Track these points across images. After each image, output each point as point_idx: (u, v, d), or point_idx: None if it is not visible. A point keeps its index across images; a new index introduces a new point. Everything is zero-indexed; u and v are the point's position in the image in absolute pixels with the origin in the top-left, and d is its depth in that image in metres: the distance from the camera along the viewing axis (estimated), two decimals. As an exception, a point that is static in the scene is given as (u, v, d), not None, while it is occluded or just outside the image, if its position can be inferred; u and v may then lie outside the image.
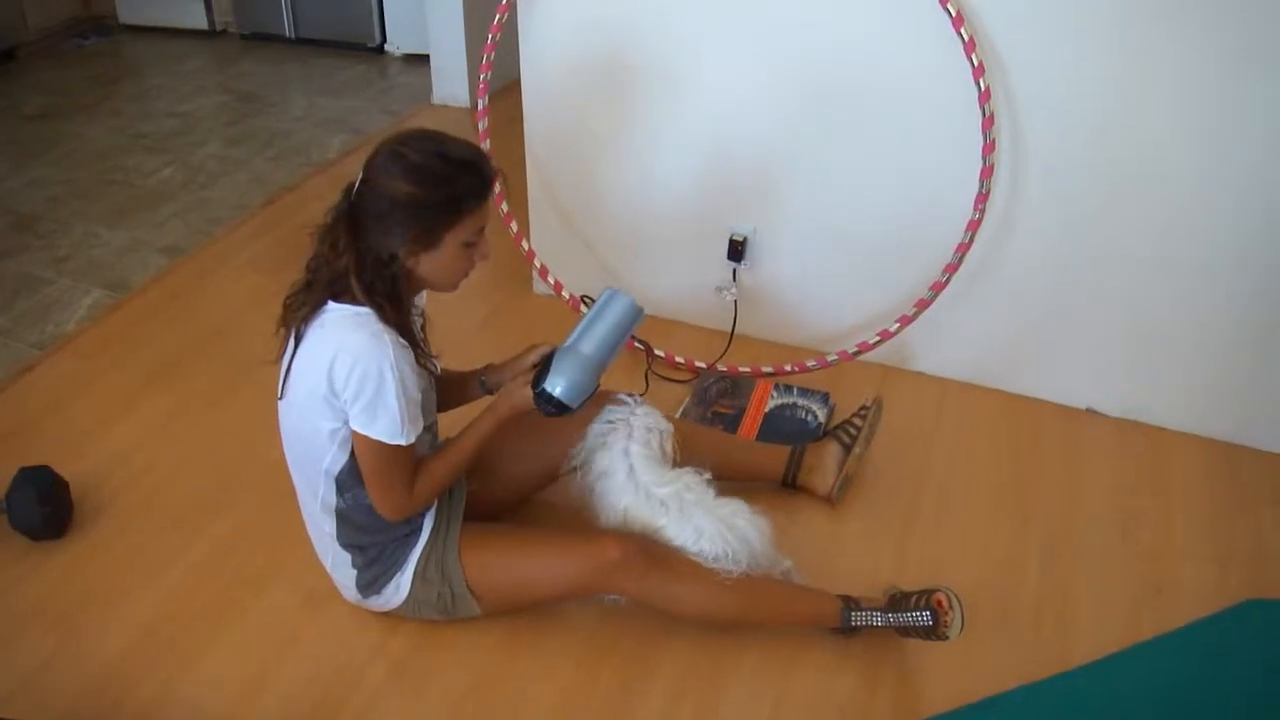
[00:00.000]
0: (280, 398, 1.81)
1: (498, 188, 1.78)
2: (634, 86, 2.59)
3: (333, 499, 1.86)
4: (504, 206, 2.71)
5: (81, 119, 4.49)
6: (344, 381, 1.67)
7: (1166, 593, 2.11)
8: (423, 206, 1.64)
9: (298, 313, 1.75)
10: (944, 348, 2.64)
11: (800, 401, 2.54)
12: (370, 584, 1.94)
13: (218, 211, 3.68)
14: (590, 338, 1.85)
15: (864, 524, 2.27)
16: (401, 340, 1.71)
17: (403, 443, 1.71)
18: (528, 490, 2.16)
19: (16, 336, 3.03)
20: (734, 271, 2.70)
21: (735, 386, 2.61)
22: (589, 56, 2.60)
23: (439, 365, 1.95)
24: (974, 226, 2.29)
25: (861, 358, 2.60)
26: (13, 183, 3.96)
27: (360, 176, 1.68)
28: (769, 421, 2.50)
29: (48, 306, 3.15)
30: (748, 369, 2.66)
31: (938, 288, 2.40)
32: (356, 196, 1.67)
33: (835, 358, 2.60)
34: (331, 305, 1.70)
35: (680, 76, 2.51)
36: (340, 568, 1.96)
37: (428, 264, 1.71)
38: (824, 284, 2.67)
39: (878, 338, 2.54)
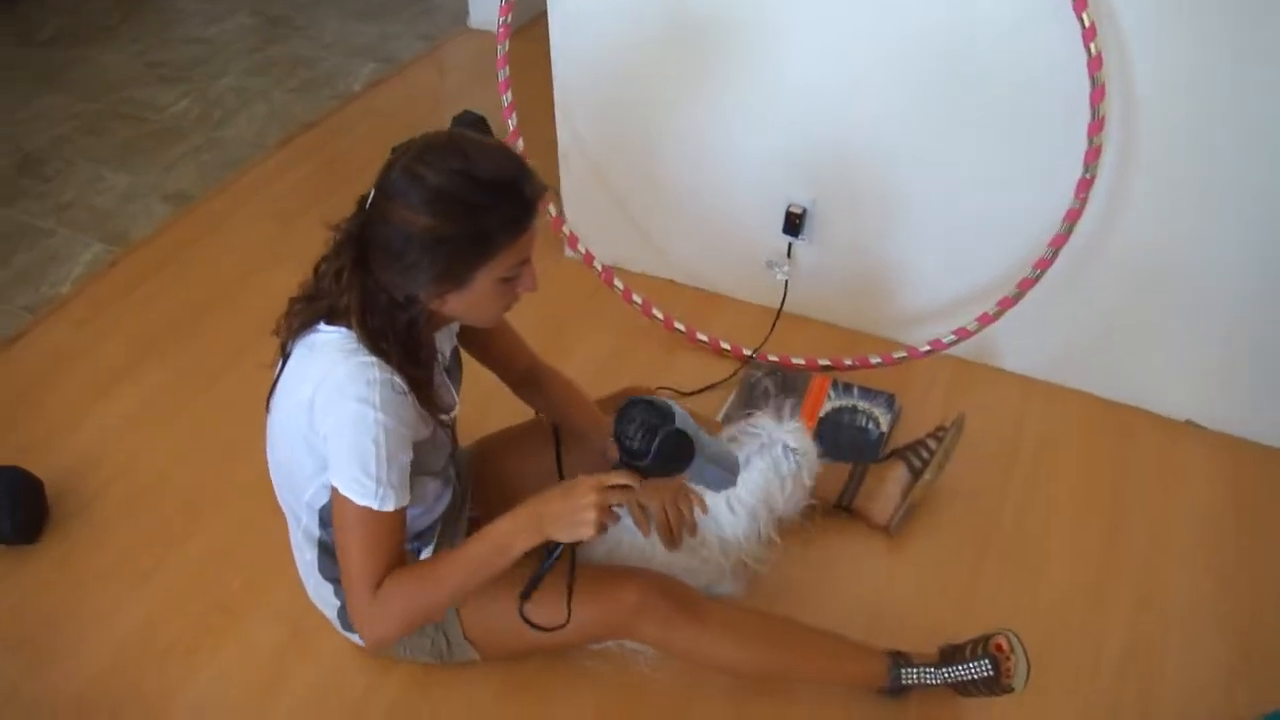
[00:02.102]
0: (267, 411, 1.60)
1: (548, 210, 1.48)
2: (689, 26, 2.27)
3: (315, 530, 1.66)
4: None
5: (97, 45, 4.27)
6: (322, 422, 1.44)
7: (1256, 662, 1.86)
8: (446, 242, 1.35)
9: (290, 323, 1.51)
10: (1028, 342, 2.34)
11: (861, 405, 2.28)
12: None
13: (233, 151, 3.47)
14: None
15: (925, 560, 2.02)
16: (399, 383, 1.44)
17: (374, 506, 1.43)
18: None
19: (8, 298, 2.88)
20: (789, 246, 2.42)
21: (787, 383, 2.35)
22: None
23: (457, 406, 1.70)
24: (1073, 217, 1.97)
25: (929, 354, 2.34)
26: (21, 115, 3.79)
27: (373, 191, 1.41)
28: (824, 428, 2.24)
29: (45, 262, 3.00)
30: (802, 360, 2.40)
31: (1026, 285, 2.10)
32: (367, 221, 1.40)
33: (904, 355, 2.33)
34: (323, 326, 1.46)
35: (747, 19, 2.19)
36: (323, 598, 1.79)
37: (456, 303, 1.44)
38: (891, 266, 2.38)
39: (953, 336, 2.26)
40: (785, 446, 1.78)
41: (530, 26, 2.90)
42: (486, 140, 1.42)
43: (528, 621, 1.47)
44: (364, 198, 1.42)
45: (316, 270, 1.49)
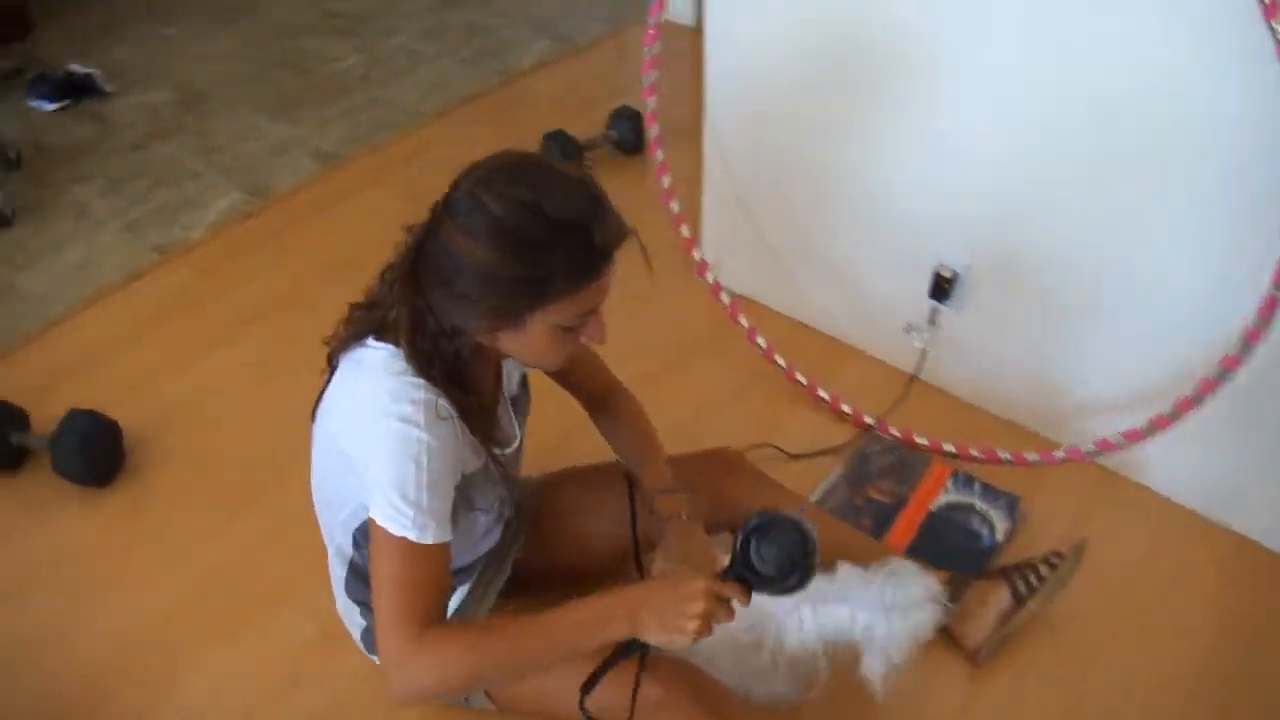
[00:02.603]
0: (311, 422, 1.50)
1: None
2: (853, 58, 2.06)
3: (348, 550, 1.54)
4: (665, 180, 2.30)
5: (281, -14, 4.31)
6: (361, 442, 1.32)
7: None
8: (499, 280, 1.21)
9: (343, 331, 1.41)
10: (1181, 463, 2.04)
11: (980, 504, 2.04)
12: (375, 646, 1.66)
13: (389, 115, 3.42)
14: None
15: (1009, 698, 1.78)
16: (445, 407, 1.31)
17: (412, 537, 1.28)
18: (588, 572, 1.77)
19: (141, 234, 2.91)
20: (933, 311, 2.20)
21: (903, 465, 2.13)
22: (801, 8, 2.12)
23: (517, 440, 1.57)
24: (1253, 338, 1.68)
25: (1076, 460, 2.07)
26: (195, 50, 3.86)
27: (440, 204, 1.28)
28: (932, 524, 2.02)
29: (184, 203, 3.02)
30: (925, 441, 2.17)
31: (1185, 405, 1.82)
32: (426, 236, 1.28)
33: (1037, 458, 2.08)
34: (371, 341, 1.34)
35: (917, 60, 1.97)
36: (350, 617, 1.70)
37: (510, 342, 1.31)
38: (1040, 354, 2.12)
39: (1094, 447, 1.99)
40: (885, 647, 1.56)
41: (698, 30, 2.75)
42: (569, 172, 1.26)
43: (586, 715, 1.34)
44: (435, 206, 1.29)
45: (382, 276, 1.38)
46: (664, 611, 1.24)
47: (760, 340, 2.33)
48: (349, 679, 1.79)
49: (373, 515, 1.29)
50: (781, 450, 2.18)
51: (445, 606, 1.34)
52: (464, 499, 1.45)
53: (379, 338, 1.34)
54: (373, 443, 1.30)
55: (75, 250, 2.86)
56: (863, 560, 1.68)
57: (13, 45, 3.83)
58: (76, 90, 3.53)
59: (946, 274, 2.12)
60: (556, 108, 3.42)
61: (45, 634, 1.94)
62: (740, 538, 1.25)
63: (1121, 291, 1.93)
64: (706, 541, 1.59)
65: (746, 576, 1.24)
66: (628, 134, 3.08)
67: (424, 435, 1.27)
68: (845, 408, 2.26)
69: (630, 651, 1.29)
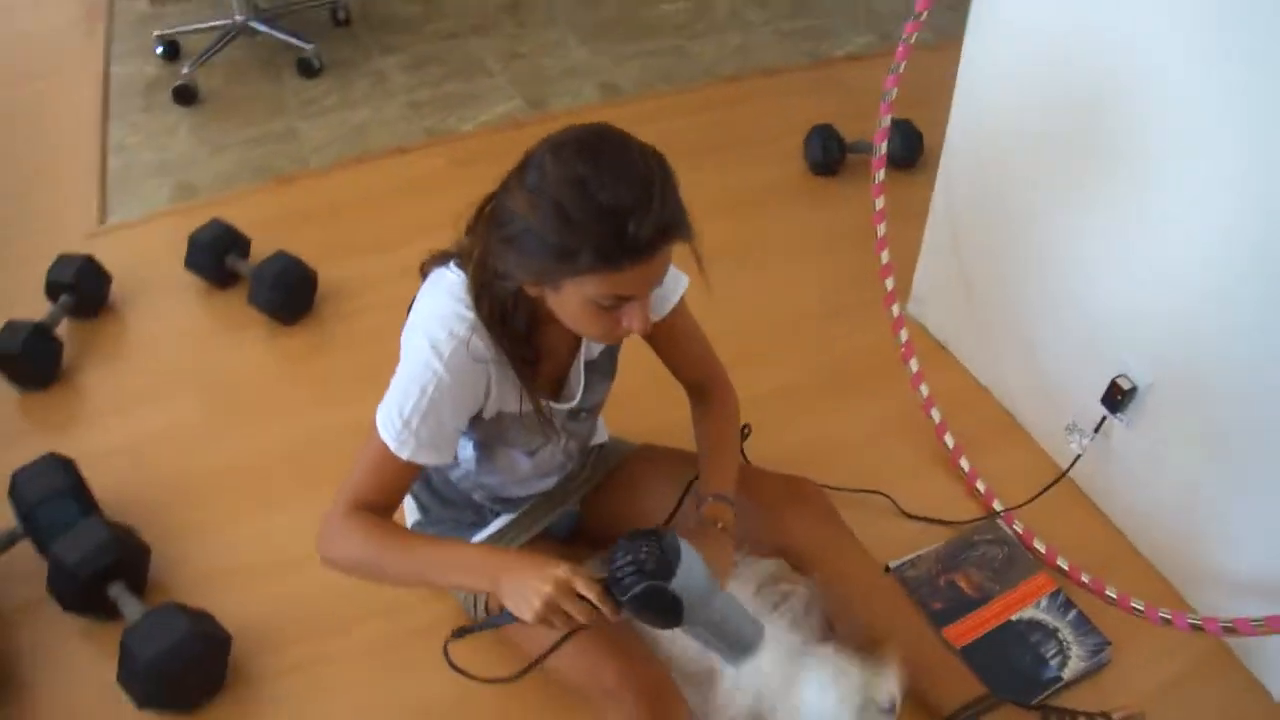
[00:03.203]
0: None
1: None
2: (1088, 142, 1.88)
3: None
4: (879, 202, 2.22)
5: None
6: (402, 347, 1.44)
7: None
8: (535, 240, 1.25)
9: (437, 251, 1.51)
10: None
11: (1065, 633, 1.86)
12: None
13: (684, 68, 3.49)
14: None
15: None
16: (483, 350, 1.39)
17: (391, 446, 1.40)
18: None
19: (420, 114, 3.14)
20: (1102, 420, 2.01)
21: (1007, 563, 1.98)
22: (1050, 71, 1.98)
23: (576, 400, 1.61)
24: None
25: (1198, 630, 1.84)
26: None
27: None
28: (1003, 633, 1.86)
29: (467, 98, 3.23)
30: (1042, 548, 2.00)
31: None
32: (504, 183, 1.33)
33: (1141, 609, 1.86)
34: (453, 265, 1.44)
35: (1142, 164, 1.78)
36: (407, 503, 1.85)
37: (553, 302, 1.35)
38: (1202, 504, 1.86)
39: (1230, 623, 1.75)
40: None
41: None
42: (637, 157, 1.26)
43: (451, 663, 1.39)
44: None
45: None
46: (518, 582, 1.27)
47: (923, 389, 2.22)
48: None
49: (378, 407, 1.42)
50: (894, 503, 2.09)
51: (390, 509, 1.45)
52: (499, 436, 1.56)
53: (460, 264, 1.42)
54: (404, 352, 1.42)
55: (360, 113, 3.14)
56: (912, 642, 1.66)
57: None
58: (425, -30, 3.83)
59: (1125, 384, 1.93)
60: (843, 102, 3.33)
61: (183, 430, 2.20)
62: (611, 552, 1.24)
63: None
64: (729, 558, 1.57)
65: (611, 587, 1.23)
66: (899, 147, 2.98)
67: (440, 369, 1.36)
68: (980, 486, 2.12)
69: (501, 619, 1.31)
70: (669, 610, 1.21)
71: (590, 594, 1.24)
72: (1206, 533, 1.90)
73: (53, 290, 2.45)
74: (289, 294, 2.45)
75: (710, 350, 1.76)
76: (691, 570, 1.21)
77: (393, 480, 1.44)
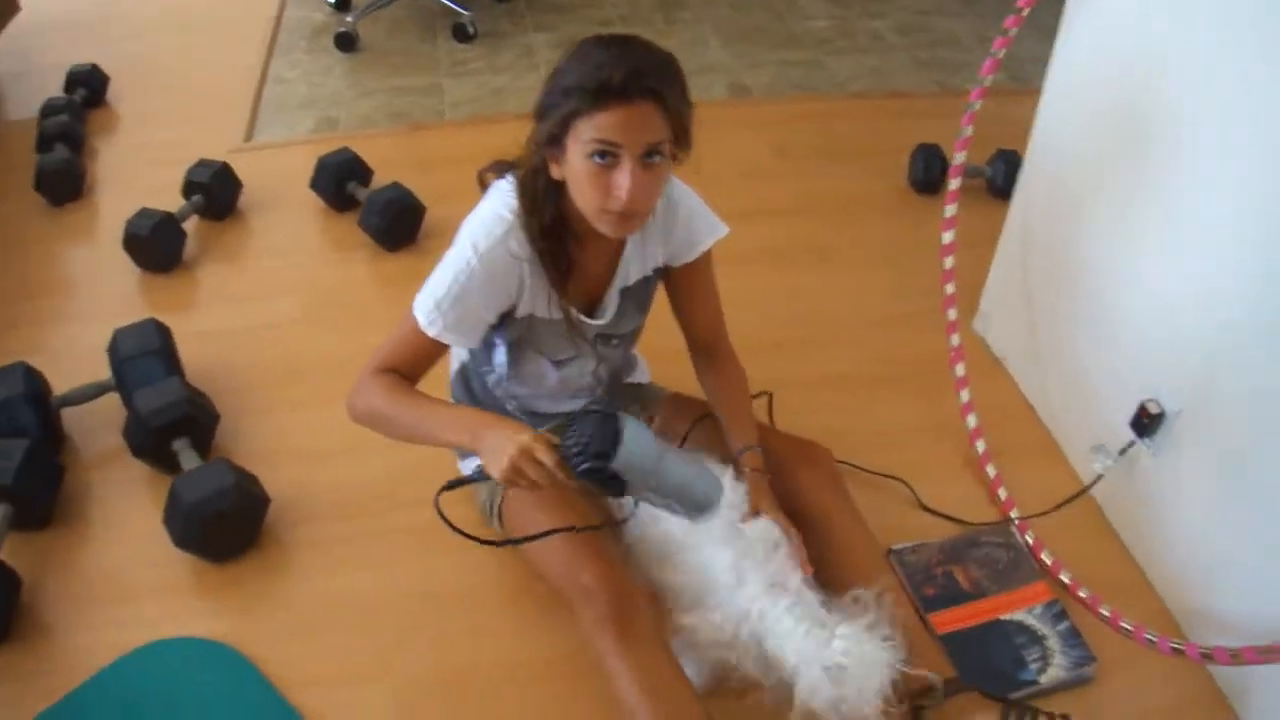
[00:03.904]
0: None
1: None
2: (1154, 166, 1.87)
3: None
4: (949, 210, 2.26)
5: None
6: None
7: None
8: (546, 99, 1.44)
9: (495, 164, 1.67)
10: None
11: (1052, 641, 1.86)
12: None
13: (814, 78, 3.55)
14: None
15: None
16: (519, 249, 1.54)
17: (420, 322, 1.56)
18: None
19: (475, 98, 3.27)
20: (1129, 444, 2.00)
21: (1009, 567, 1.98)
22: (1129, 109, 1.99)
23: (606, 318, 1.73)
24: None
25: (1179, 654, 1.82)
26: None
27: None
28: (988, 630, 1.87)
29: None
30: (1049, 560, 2.00)
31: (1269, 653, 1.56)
32: None
33: (1130, 629, 1.84)
34: (510, 175, 1.58)
35: (1226, 184, 1.76)
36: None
37: (566, 175, 1.48)
38: (1216, 539, 1.83)
39: (1180, 645, 1.74)
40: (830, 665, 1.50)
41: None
42: (642, 42, 1.43)
43: (440, 513, 1.49)
44: None
45: None
46: (493, 441, 1.41)
47: (964, 394, 2.25)
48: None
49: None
50: (913, 493, 2.13)
51: (415, 380, 1.62)
52: (530, 340, 1.69)
53: (515, 177, 1.57)
54: (454, 243, 1.58)
55: (501, 79, 3.33)
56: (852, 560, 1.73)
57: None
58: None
59: (1153, 409, 1.92)
60: (958, 131, 3.36)
61: (274, 327, 2.40)
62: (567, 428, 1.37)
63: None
64: (772, 499, 1.70)
65: (566, 454, 1.35)
66: (1001, 176, 2.99)
67: (475, 261, 1.53)
68: (1001, 493, 2.13)
69: (476, 475, 1.46)
70: (613, 484, 1.34)
71: (548, 460, 1.36)
72: (1214, 571, 1.87)
73: (189, 189, 2.70)
74: (396, 221, 2.63)
75: (722, 315, 1.87)
76: (634, 448, 1.32)
77: (420, 354, 1.60)
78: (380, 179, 2.75)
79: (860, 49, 3.80)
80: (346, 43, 3.42)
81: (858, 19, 4.01)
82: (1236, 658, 1.66)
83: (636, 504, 1.53)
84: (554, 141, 1.45)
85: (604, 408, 1.37)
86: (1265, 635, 1.73)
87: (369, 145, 2.88)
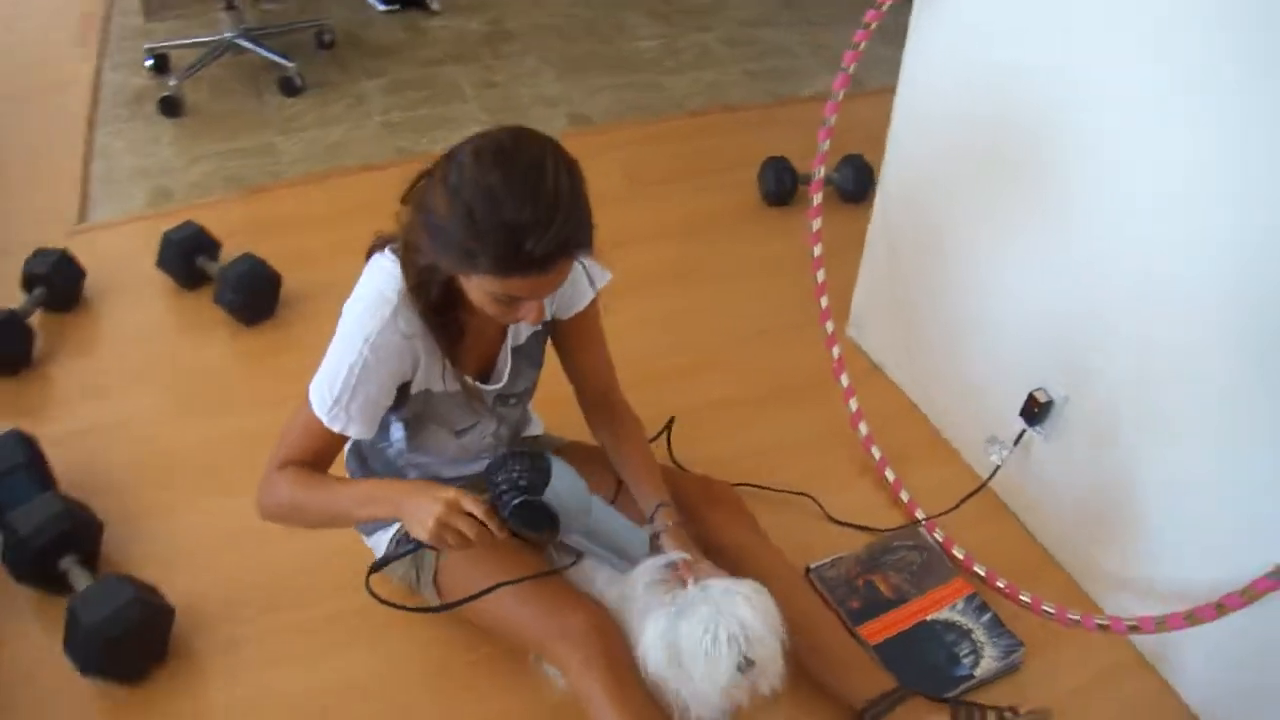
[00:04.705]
0: None
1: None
2: (1015, 162, 1.97)
3: None
4: (815, 223, 2.30)
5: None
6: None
7: None
8: (446, 234, 1.33)
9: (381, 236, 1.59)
10: (1216, 671, 1.81)
11: (979, 634, 1.91)
12: (368, 531, 1.84)
13: (653, 101, 3.58)
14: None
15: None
16: (409, 328, 1.48)
17: (324, 421, 1.50)
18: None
19: (394, 134, 3.23)
20: (1021, 433, 2.08)
21: (925, 568, 2.03)
22: (980, 112, 2.07)
23: (502, 383, 1.69)
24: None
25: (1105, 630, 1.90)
26: (524, -1, 4.21)
27: None
28: (917, 632, 1.91)
29: (440, 121, 3.32)
30: (961, 555, 2.06)
31: (1232, 604, 1.64)
32: (430, 170, 1.41)
33: (1052, 612, 1.91)
34: (389, 250, 1.52)
35: (1067, 185, 1.86)
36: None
37: (463, 284, 1.42)
38: (1115, 512, 1.93)
39: (1106, 620, 1.82)
40: (734, 621, 1.48)
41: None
42: (551, 170, 1.31)
43: (372, 593, 1.47)
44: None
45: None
46: (415, 506, 1.39)
47: (853, 403, 2.29)
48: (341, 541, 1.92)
49: (311, 381, 1.52)
50: (821, 507, 2.15)
51: (321, 468, 1.56)
52: (428, 413, 1.63)
53: (394, 250, 1.50)
54: (338, 329, 1.51)
55: (336, 131, 3.23)
56: (820, 633, 1.75)
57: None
58: (410, 0, 3.94)
59: (1042, 398, 2.00)
60: (801, 140, 3.40)
61: (143, 420, 2.27)
62: (486, 470, 1.36)
63: (1210, 476, 1.75)
64: (697, 551, 1.64)
65: (494, 497, 1.33)
66: (849, 181, 3.07)
67: (366, 350, 1.46)
68: (904, 495, 2.18)
69: (411, 546, 1.43)
70: (546, 521, 1.33)
71: (477, 511, 1.34)
72: (1118, 541, 1.96)
73: (29, 282, 2.51)
74: (252, 295, 2.51)
75: (613, 365, 1.84)
76: (564, 484, 1.32)
77: (324, 447, 1.54)
78: (229, 249, 2.63)
79: (692, 65, 3.84)
80: (172, 108, 3.26)
81: (684, 35, 4.05)
82: (1161, 625, 1.74)
83: (576, 560, 1.52)
84: (453, 268, 1.39)
85: (508, 453, 1.37)
86: (1176, 596, 1.83)
87: (210, 214, 2.75)
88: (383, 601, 1.48)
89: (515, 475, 1.32)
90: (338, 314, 2.48)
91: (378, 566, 1.56)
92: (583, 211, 1.35)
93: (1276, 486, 1.62)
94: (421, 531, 1.37)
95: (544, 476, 1.32)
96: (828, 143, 2.29)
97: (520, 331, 1.68)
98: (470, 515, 1.35)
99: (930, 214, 2.27)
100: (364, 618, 1.86)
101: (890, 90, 2.30)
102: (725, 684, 1.46)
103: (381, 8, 3.87)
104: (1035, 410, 2.02)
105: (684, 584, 1.54)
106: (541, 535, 1.37)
